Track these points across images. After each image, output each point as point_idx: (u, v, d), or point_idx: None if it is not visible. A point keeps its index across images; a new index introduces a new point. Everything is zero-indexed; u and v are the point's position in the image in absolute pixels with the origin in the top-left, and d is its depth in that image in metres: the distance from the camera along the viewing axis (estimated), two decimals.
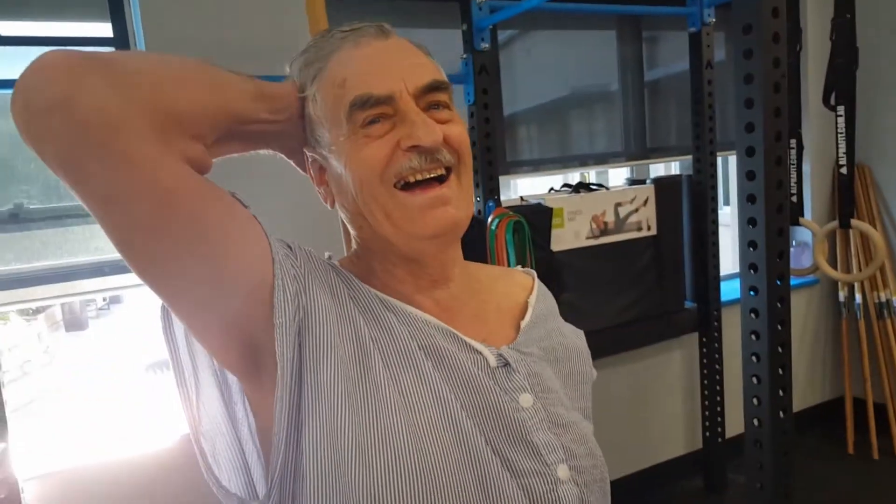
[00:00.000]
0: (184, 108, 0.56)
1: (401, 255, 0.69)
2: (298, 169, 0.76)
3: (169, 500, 2.08)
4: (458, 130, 0.67)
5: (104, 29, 2.17)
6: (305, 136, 0.71)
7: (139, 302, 14.82)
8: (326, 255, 0.74)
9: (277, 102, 0.66)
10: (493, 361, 0.68)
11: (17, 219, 2.12)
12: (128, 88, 0.52)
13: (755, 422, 1.56)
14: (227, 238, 0.58)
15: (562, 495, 0.65)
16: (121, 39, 2.15)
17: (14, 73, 2.03)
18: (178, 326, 0.65)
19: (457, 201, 0.66)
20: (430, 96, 0.66)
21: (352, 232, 0.72)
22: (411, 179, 0.64)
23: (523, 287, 0.82)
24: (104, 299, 15.09)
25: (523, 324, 0.75)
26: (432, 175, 0.65)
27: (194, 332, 0.62)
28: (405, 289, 0.70)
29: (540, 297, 0.81)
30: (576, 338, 0.83)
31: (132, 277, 2.04)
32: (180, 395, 0.65)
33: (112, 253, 2.19)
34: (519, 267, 0.91)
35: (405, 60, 0.66)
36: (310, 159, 0.72)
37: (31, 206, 2.15)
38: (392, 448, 0.59)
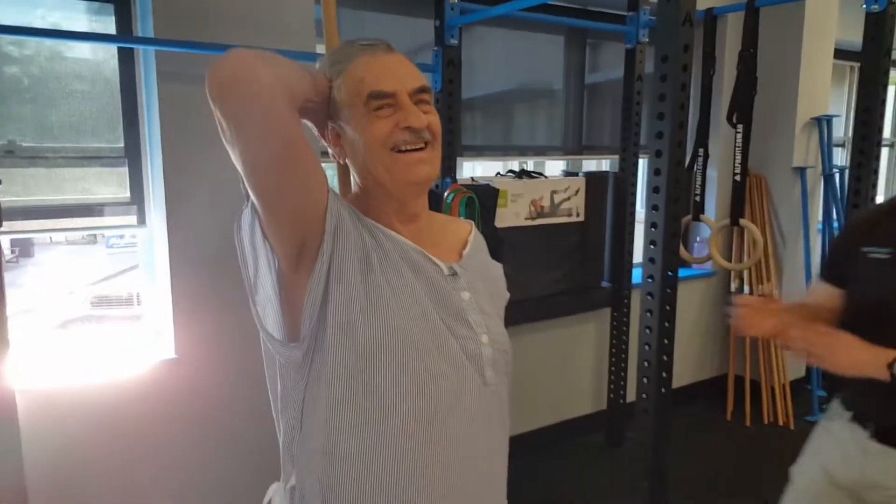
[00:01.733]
0: (296, 90, 0.90)
1: (391, 196, 1.00)
2: (316, 134, 1.07)
3: (141, 417, 2.32)
4: (435, 119, 1.00)
5: None
6: (328, 111, 1.02)
7: (51, 256, 14.33)
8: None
9: (321, 88, 1.00)
10: (446, 271, 1.03)
11: (13, 154, 2.27)
12: (278, 76, 0.85)
13: (643, 395, 2.02)
14: (311, 170, 0.91)
15: (483, 352, 1.01)
16: (123, 2, 2.32)
17: (17, 19, 2.17)
18: (246, 232, 0.96)
19: (431, 163, 0.99)
20: (419, 95, 0.98)
21: (357, 179, 1.04)
22: (403, 148, 0.96)
23: (465, 230, 1.18)
24: (13, 251, 14.43)
25: (465, 252, 1.10)
26: (416, 147, 0.97)
27: (269, 228, 0.92)
28: (391, 221, 1.02)
29: (476, 238, 1.16)
30: (497, 268, 1.19)
31: (110, 220, 2.21)
32: (245, 278, 0.97)
33: (96, 193, 2.37)
34: (462, 218, 1.29)
35: (404, 70, 0.99)
36: (330, 127, 1.03)
37: (24, 144, 2.30)
38: (384, 316, 0.93)
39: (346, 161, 1.04)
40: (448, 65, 2.54)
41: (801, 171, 3.85)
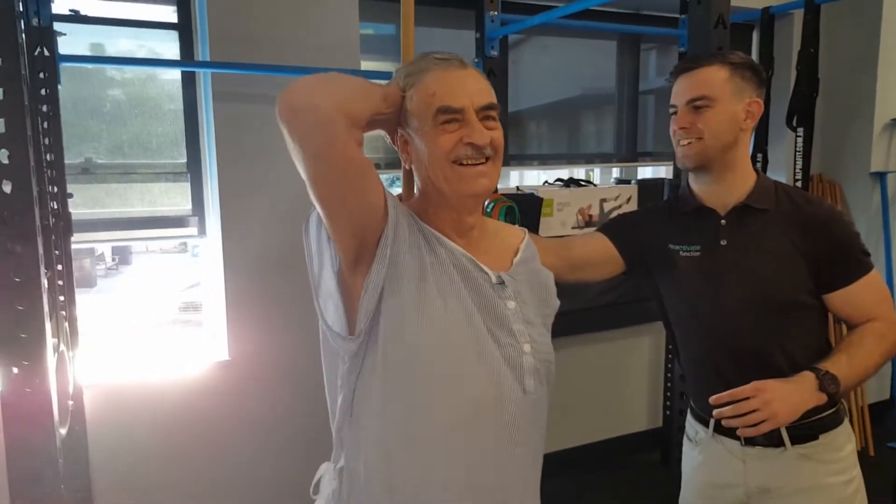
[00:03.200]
0: (356, 111, 0.96)
1: (449, 205, 1.06)
2: (388, 141, 1.14)
3: (196, 415, 2.48)
4: (498, 135, 1.04)
5: (169, 13, 2.52)
6: (399, 120, 1.08)
7: (148, 264, 15.28)
8: (396, 194, 1.15)
9: (392, 100, 1.06)
10: (494, 279, 1.08)
11: (87, 171, 2.49)
12: (338, 102, 0.93)
13: (681, 395, 1.93)
14: (368, 183, 0.98)
15: (524, 360, 1.05)
16: (185, 26, 2.50)
17: (87, 48, 2.38)
18: (313, 232, 1.06)
19: (490, 176, 1.05)
20: (486, 112, 1.03)
21: (420, 185, 1.10)
22: (464, 161, 1.02)
23: (517, 237, 1.21)
24: (113, 259, 15.50)
25: (515, 260, 1.15)
26: (477, 161, 1.03)
27: (333, 231, 1.00)
28: (446, 228, 1.08)
29: (527, 246, 1.20)
30: (548, 277, 1.21)
31: (178, 231, 2.39)
32: (310, 274, 1.06)
33: (163, 205, 2.55)
34: (516, 226, 1.32)
35: (474, 86, 1.04)
36: (399, 134, 1.09)
37: (99, 161, 2.51)
38: (431, 320, 1.00)
39: (412, 167, 1.10)
40: (489, 75, 2.57)
41: (881, 176, 3.63)
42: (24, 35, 1.61)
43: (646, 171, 3.91)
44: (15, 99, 0.98)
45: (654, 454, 3.43)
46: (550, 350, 1.12)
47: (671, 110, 1.45)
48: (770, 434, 1.30)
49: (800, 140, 2.78)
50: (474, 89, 1.03)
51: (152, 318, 10.09)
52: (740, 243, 1.42)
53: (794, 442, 1.39)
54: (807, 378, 1.28)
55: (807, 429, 1.37)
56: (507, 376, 1.03)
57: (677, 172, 3.19)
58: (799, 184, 2.82)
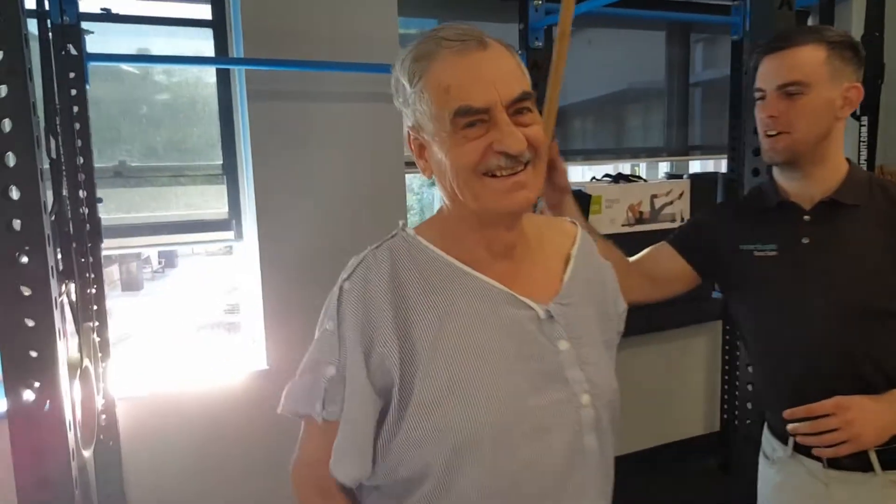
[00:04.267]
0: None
1: (481, 225, 0.87)
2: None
3: (233, 427, 2.40)
4: (537, 131, 0.83)
5: (204, 11, 2.45)
6: (410, 119, 0.86)
7: (194, 267, 15.53)
8: (400, 223, 0.96)
9: None
10: (541, 314, 0.88)
11: (121, 175, 2.44)
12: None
13: (748, 405, 1.78)
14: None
15: (583, 416, 0.87)
16: (219, 23, 2.43)
17: (124, 46, 2.34)
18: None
19: (531, 185, 0.83)
20: (518, 104, 0.81)
21: (445, 201, 0.90)
22: (497, 173, 0.81)
23: (568, 235, 1.00)
24: (160, 262, 15.80)
25: (566, 277, 0.94)
26: (515, 171, 0.82)
27: None
28: (480, 251, 0.89)
29: (581, 248, 0.99)
30: (608, 271, 1.03)
31: (214, 235, 2.32)
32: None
33: (199, 209, 2.49)
34: (567, 218, 1.09)
35: (499, 74, 0.81)
36: (412, 138, 0.88)
37: (133, 164, 2.46)
38: (465, 406, 0.83)
39: (435, 179, 0.89)
40: (532, 68, 2.44)
41: None
42: (48, 33, 1.55)
43: (695, 166, 3.71)
44: (19, 96, 0.89)
45: (712, 460, 3.25)
46: (614, 386, 0.94)
47: (756, 94, 1.29)
48: (857, 456, 1.17)
49: (864, 130, 2.56)
50: (500, 77, 0.80)
51: (197, 320, 10.21)
52: (825, 242, 1.26)
53: (884, 467, 1.22)
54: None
55: None
56: (561, 443, 0.86)
57: (731, 167, 3.01)
58: None
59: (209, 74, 2.52)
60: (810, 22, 3.44)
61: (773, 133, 1.24)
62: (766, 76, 1.26)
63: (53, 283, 0.92)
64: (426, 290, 0.87)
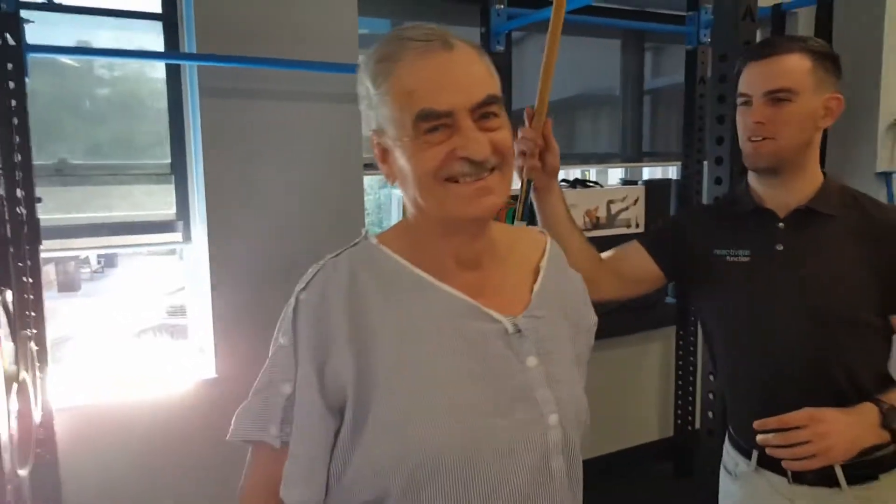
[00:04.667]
0: None
1: (447, 232, 0.84)
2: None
3: (179, 439, 2.30)
4: (503, 136, 0.80)
5: (153, 4, 2.35)
6: (373, 123, 0.83)
7: (134, 267, 15.01)
8: (363, 231, 0.92)
9: None
10: (510, 328, 0.85)
11: (62, 173, 2.31)
12: None
13: (710, 414, 1.82)
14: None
15: (550, 438, 0.83)
16: (170, 16, 2.33)
17: (68, 39, 2.21)
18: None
19: (497, 190, 0.80)
20: (484, 108, 0.78)
21: (409, 208, 0.87)
22: (460, 180, 0.78)
23: (538, 245, 0.97)
24: (99, 262, 15.21)
25: (536, 288, 0.91)
26: (478, 177, 0.79)
27: None
28: (446, 263, 0.85)
29: (551, 258, 0.96)
30: (576, 282, 1.00)
31: (161, 237, 2.23)
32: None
33: (145, 209, 2.38)
34: (535, 229, 1.07)
35: (465, 76, 0.78)
36: (375, 142, 0.84)
37: (74, 162, 2.34)
38: (429, 427, 0.79)
39: (398, 185, 0.86)
40: None
41: (887, 176, 3.52)
42: None
43: (648, 172, 3.77)
44: None
45: (667, 465, 3.30)
46: (584, 406, 0.90)
47: (740, 100, 1.29)
48: (822, 471, 1.17)
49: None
50: (465, 80, 0.78)
51: (138, 322, 9.85)
52: (799, 249, 1.27)
53: (850, 482, 1.23)
54: (869, 411, 1.14)
55: (865, 467, 1.22)
56: (525, 466, 0.81)
57: (684, 173, 3.06)
58: None
59: (154, 69, 2.41)
60: (760, 34, 3.55)
61: (758, 139, 1.25)
62: (753, 82, 1.26)
63: None
64: (387, 302, 0.83)
